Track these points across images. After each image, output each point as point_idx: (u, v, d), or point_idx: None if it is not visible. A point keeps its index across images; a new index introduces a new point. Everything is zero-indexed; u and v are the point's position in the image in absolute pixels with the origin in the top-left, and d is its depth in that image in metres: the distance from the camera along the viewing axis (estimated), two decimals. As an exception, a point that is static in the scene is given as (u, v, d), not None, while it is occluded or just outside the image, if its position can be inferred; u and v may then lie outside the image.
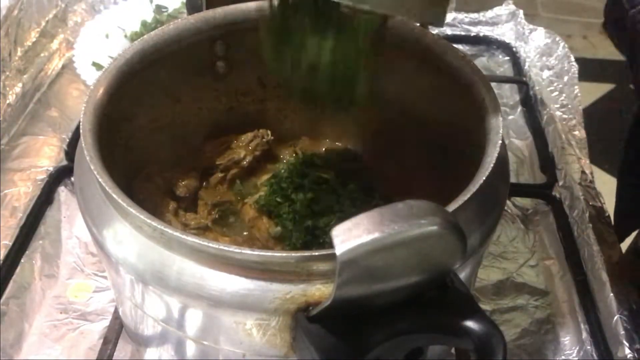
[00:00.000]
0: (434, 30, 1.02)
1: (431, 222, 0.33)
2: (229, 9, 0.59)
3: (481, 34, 1.04)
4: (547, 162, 0.81)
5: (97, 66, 0.87)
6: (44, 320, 0.64)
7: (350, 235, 0.33)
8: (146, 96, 0.57)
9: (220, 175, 0.63)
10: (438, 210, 0.34)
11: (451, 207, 0.41)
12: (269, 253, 0.39)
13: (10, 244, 0.69)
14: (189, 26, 0.57)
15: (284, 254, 0.39)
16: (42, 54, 0.94)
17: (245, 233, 0.59)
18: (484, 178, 0.43)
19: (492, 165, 0.44)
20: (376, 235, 0.33)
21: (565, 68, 0.92)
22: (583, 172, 0.76)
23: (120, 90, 0.52)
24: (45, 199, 0.75)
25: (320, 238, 0.55)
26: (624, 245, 0.76)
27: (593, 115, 1.01)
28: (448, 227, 0.34)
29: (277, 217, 0.57)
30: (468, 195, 0.42)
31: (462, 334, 0.37)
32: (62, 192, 0.76)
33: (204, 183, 0.63)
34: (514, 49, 1.01)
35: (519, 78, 0.95)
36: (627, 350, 0.59)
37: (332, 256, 0.33)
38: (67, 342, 0.63)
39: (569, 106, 0.87)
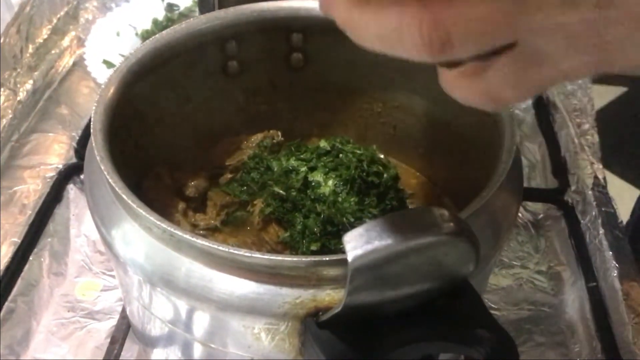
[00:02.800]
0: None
1: (444, 229, 0.33)
2: (242, 9, 0.58)
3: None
4: (559, 166, 0.81)
5: (108, 64, 0.87)
6: (51, 319, 0.64)
7: (362, 241, 0.32)
8: (157, 96, 0.56)
9: (229, 175, 0.62)
10: (451, 217, 0.34)
11: (464, 214, 0.40)
12: (279, 257, 0.39)
13: (19, 241, 0.69)
14: (201, 25, 0.57)
15: (294, 259, 0.39)
16: (53, 51, 0.94)
17: (254, 235, 0.58)
18: (498, 185, 0.42)
19: (506, 172, 0.43)
20: (389, 241, 0.32)
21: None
22: (596, 177, 0.75)
23: (131, 90, 0.51)
24: (54, 197, 0.75)
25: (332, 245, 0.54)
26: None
27: (605, 119, 1.00)
28: (461, 234, 0.33)
29: (286, 224, 0.56)
30: (482, 203, 0.41)
31: (474, 343, 0.37)
32: (71, 190, 0.76)
33: (213, 184, 0.62)
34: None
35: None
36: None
37: (343, 262, 0.33)
38: (74, 341, 0.63)
39: (582, 110, 0.86)
